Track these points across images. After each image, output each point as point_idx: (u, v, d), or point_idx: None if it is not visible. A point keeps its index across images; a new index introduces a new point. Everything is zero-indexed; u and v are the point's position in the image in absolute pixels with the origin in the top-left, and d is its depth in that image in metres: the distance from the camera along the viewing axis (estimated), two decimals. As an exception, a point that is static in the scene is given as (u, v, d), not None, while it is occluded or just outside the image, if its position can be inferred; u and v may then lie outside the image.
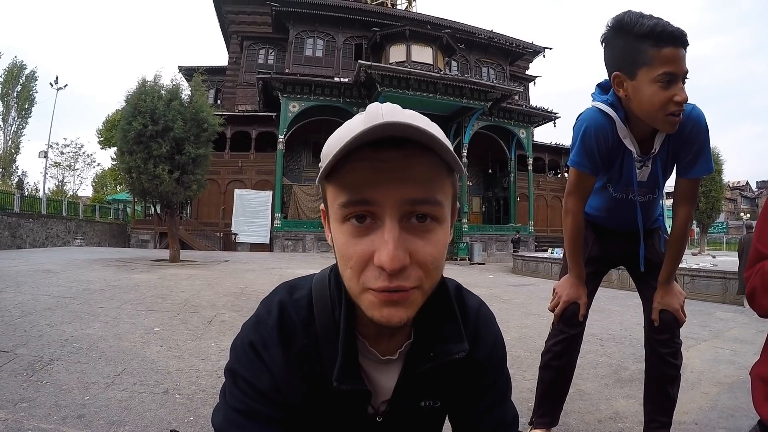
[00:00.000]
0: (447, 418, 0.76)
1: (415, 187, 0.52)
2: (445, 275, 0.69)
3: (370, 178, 0.51)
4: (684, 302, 1.56)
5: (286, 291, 0.68)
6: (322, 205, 0.62)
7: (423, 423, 0.72)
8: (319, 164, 0.58)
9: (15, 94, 31.63)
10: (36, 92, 32.53)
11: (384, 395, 0.67)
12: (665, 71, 1.22)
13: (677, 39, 1.20)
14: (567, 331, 1.65)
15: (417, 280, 0.53)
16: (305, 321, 0.64)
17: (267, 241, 18.56)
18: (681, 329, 1.58)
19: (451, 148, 0.53)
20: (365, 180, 0.51)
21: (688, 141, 1.38)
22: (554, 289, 1.70)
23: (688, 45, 1.22)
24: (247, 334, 0.64)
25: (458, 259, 16.83)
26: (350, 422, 0.66)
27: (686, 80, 1.25)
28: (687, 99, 1.24)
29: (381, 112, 0.53)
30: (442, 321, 0.66)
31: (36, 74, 32.55)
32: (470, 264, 15.89)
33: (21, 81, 31.85)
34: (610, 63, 1.35)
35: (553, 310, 1.68)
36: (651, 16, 1.23)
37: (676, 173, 1.48)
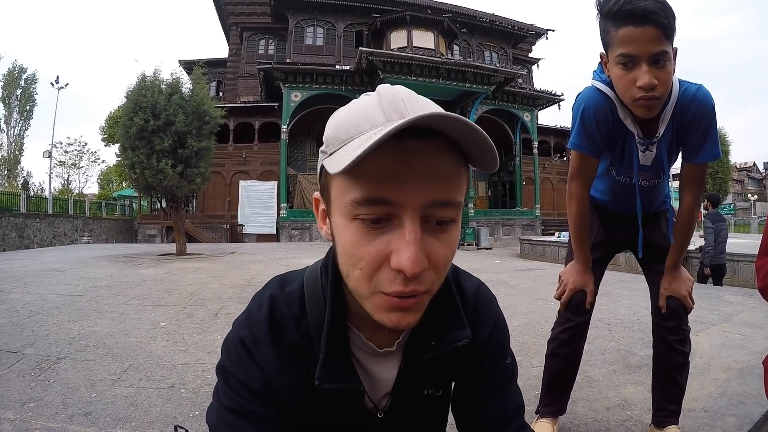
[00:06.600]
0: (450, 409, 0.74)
1: (441, 187, 0.47)
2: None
3: (393, 173, 0.45)
4: (692, 288, 1.52)
5: (278, 285, 0.66)
6: (317, 194, 0.57)
7: (426, 415, 0.69)
8: (322, 148, 0.52)
9: (16, 97, 31.80)
10: (36, 94, 32.85)
11: (384, 389, 0.65)
12: (620, 52, 1.17)
13: (637, 17, 1.10)
14: (574, 319, 1.61)
15: (429, 283, 0.50)
16: (297, 315, 0.62)
17: (273, 231, 18.65)
18: (689, 314, 1.54)
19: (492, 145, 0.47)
20: (387, 175, 0.45)
21: (692, 123, 1.31)
22: (560, 276, 1.66)
23: (662, 23, 1.09)
24: (238, 331, 0.61)
25: (465, 244, 16.80)
26: (348, 419, 0.64)
27: (663, 61, 1.14)
28: (651, 83, 1.15)
29: (401, 97, 0.48)
30: (442, 307, 0.63)
31: (36, 77, 32.87)
32: (477, 249, 15.87)
33: (21, 84, 32.01)
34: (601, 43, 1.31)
35: (559, 298, 1.64)
36: None
37: (682, 158, 1.42)
